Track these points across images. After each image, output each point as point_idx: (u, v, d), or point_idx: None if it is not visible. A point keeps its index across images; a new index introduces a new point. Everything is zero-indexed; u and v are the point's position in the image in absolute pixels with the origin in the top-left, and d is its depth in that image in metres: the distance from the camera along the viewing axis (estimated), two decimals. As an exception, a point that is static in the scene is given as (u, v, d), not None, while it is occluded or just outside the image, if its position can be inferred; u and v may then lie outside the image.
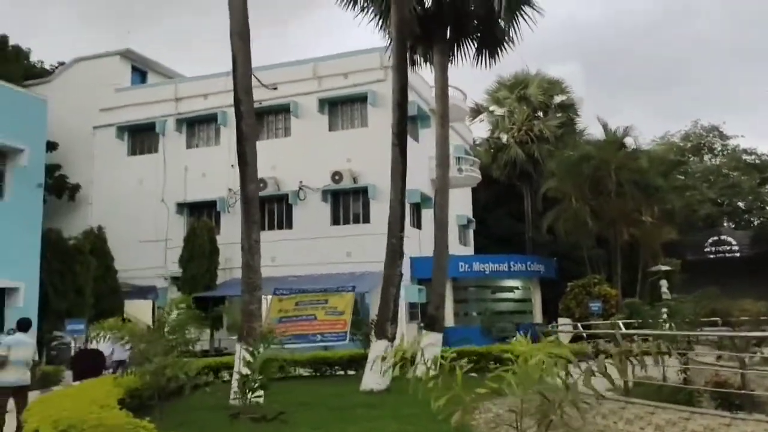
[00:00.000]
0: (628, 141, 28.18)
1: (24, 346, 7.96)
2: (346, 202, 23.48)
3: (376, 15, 14.95)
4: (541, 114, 33.07)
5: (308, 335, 12.53)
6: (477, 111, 34.72)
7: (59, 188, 25.89)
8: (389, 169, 12.60)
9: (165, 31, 71.06)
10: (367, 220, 22.75)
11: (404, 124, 12.72)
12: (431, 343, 12.29)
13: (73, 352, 16.93)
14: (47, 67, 31.10)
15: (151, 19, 69.71)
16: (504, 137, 33.07)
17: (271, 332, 10.26)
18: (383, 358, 8.90)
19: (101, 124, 26.48)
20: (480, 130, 40.12)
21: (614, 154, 26.40)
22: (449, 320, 24.03)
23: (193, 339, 9.73)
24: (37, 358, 8.42)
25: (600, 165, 26.14)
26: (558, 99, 33.61)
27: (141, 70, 28.21)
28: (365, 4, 14.79)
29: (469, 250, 30.72)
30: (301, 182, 23.56)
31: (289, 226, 23.82)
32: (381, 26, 15.03)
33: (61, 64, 30.44)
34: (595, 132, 32.01)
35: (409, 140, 14.45)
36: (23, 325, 8.23)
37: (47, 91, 26.84)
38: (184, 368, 8.59)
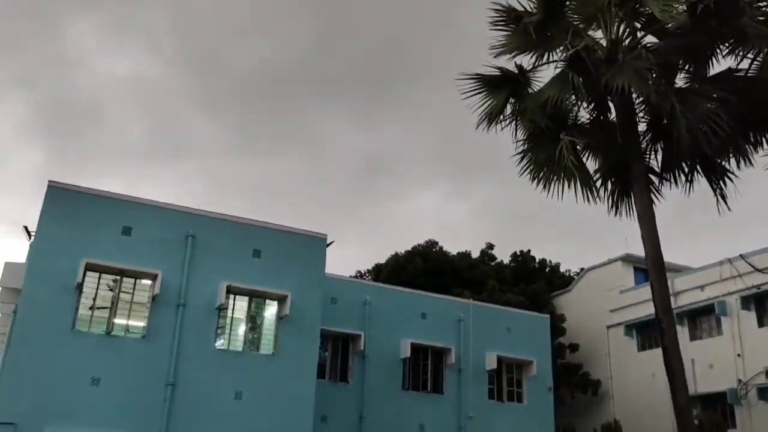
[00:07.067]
0: None
1: None
2: None
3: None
4: None
5: None
6: None
7: (584, 385, 29.44)
8: None
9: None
10: None
11: None
12: None
13: None
14: (564, 272, 36.74)
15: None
16: None
17: None
18: None
19: (612, 323, 29.61)
20: None
21: None
22: None
23: None
24: None
25: None
26: None
27: (644, 269, 30.78)
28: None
29: None
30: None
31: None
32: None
33: (580, 270, 35.63)
34: None
35: None
36: None
37: (568, 299, 31.97)
38: None
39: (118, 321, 14.87)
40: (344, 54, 70.44)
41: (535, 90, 13.54)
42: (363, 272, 35.89)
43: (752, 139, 13.16)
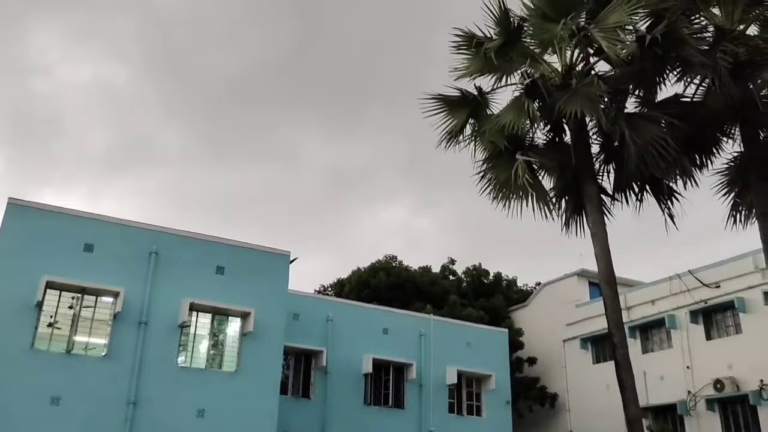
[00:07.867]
0: None
1: None
2: (819, 401, 21.13)
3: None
4: None
5: None
6: None
7: (541, 398, 30.01)
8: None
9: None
10: None
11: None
12: None
13: None
14: (522, 287, 37.35)
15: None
16: None
17: None
18: None
19: (568, 337, 30.32)
20: None
21: None
22: None
23: None
24: None
25: None
26: None
27: (598, 284, 31.59)
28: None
29: None
30: (761, 381, 22.38)
31: (757, 430, 22.44)
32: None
33: (537, 284, 36.37)
34: None
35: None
36: None
37: (526, 313, 32.63)
38: None
39: (79, 339, 14.76)
40: (316, 66, 70.72)
41: (494, 111, 14.06)
42: (326, 287, 35.97)
43: (698, 162, 13.88)
